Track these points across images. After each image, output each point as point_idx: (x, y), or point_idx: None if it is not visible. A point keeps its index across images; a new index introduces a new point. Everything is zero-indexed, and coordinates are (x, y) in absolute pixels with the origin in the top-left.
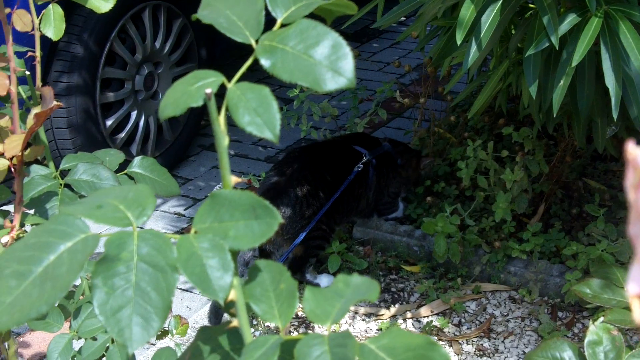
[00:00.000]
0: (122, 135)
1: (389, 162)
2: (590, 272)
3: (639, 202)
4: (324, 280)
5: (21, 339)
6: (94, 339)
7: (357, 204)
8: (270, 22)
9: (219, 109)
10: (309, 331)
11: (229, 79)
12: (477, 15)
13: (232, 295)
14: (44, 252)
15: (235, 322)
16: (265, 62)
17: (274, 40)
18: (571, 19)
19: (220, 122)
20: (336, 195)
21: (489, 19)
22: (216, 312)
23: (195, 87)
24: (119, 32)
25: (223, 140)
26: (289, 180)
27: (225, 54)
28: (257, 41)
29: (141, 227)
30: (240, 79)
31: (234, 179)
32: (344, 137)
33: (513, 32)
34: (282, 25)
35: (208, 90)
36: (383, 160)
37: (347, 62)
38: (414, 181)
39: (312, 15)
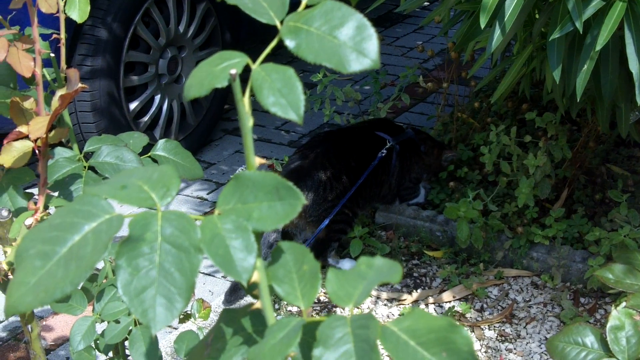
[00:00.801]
0: (146, 119)
1: (412, 148)
2: (613, 257)
3: None
4: (346, 264)
5: (44, 323)
6: (117, 321)
7: (380, 190)
8: (295, 4)
9: (243, 92)
10: None
11: (254, 62)
12: None
13: (255, 276)
14: (68, 233)
15: (257, 304)
16: (290, 43)
17: (298, 21)
18: (595, 3)
19: (244, 103)
20: (361, 180)
21: (512, 3)
22: (233, 290)
23: (220, 68)
24: (142, 16)
25: (247, 121)
26: (312, 164)
27: (249, 38)
28: (281, 22)
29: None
30: (264, 62)
31: (257, 160)
32: (367, 123)
33: (537, 16)
34: (307, 7)
35: (233, 71)
36: (406, 146)
37: (372, 44)
38: (434, 171)
39: None
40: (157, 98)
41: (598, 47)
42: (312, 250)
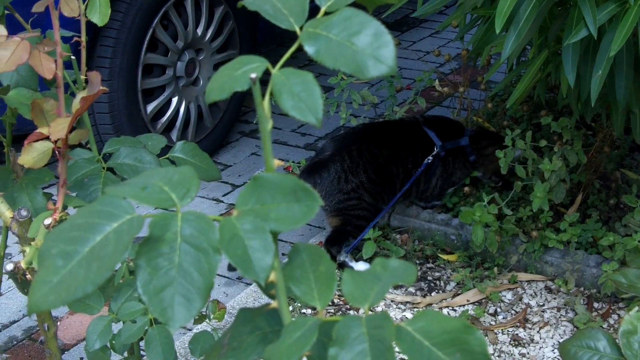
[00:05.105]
0: (163, 120)
1: (459, 155)
2: (627, 262)
3: None
4: (360, 267)
5: (59, 323)
6: (133, 321)
7: (416, 187)
8: (313, 9)
9: (262, 95)
10: None
11: (272, 64)
12: (516, 5)
13: (273, 276)
14: (90, 233)
15: (274, 304)
16: (309, 49)
17: (317, 28)
18: (610, 9)
19: (264, 106)
20: (408, 185)
21: (527, 9)
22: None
23: (241, 72)
24: (161, 19)
25: (267, 124)
26: (333, 155)
27: (266, 41)
28: (301, 28)
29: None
30: (282, 66)
31: (276, 162)
32: (420, 118)
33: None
34: (326, 13)
35: (253, 75)
36: (453, 153)
37: (389, 50)
38: (495, 172)
39: (354, 4)
40: (175, 100)
41: (612, 53)
42: (328, 240)
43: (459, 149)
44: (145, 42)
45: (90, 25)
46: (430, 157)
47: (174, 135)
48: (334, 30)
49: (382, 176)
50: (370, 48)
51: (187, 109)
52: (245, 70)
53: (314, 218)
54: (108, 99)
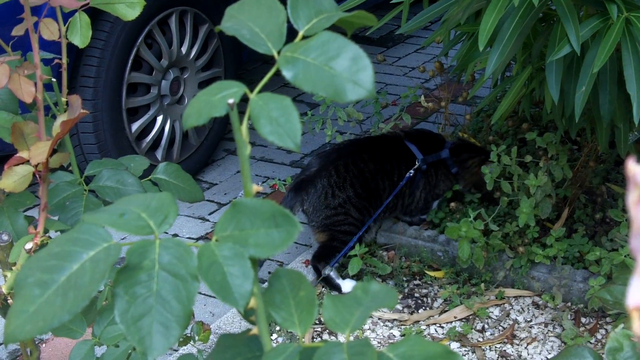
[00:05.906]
0: (148, 139)
1: (441, 168)
2: (613, 278)
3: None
4: (346, 285)
5: (44, 345)
6: (117, 345)
7: (401, 201)
8: (291, 32)
9: (242, 114)
10: (332, 337)
11: (255, 83)
12: (500, 22)
13: (252, 302)
14: (67, 261)
15: (255, 330)
16: (287, 74)
17: (295, 52)
18: (593, 25)
19: (242, 132)
20: (390, 198)
21: (511, 25)
22: None
23: (218, 98)
24: (145, 38)
25: (245, 149)
26: (320, 170)
27: (251, 58)
28: (279, 52)
29: (165, 233)
30: (264, 83)
31: (255, 188)
32: (402, 133)
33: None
34: (304, 37)
35: (230, 101)
36: (434, 165)
37: (367, 74)
38: (474, 184)
39: (333, 27)
40: (160, 119)
41: (596, 69)
42: (316, 256)
43: (440, 162)
44: (130, 61)
45: (73, 44)
46: (412, 171)
47: (159, 154)
48: (312, 55)
49: (369, 191)
50: (349, 72)
51: (172, 128)
52: (223, 95)
53: (300, 235)
54: (92, 119)
